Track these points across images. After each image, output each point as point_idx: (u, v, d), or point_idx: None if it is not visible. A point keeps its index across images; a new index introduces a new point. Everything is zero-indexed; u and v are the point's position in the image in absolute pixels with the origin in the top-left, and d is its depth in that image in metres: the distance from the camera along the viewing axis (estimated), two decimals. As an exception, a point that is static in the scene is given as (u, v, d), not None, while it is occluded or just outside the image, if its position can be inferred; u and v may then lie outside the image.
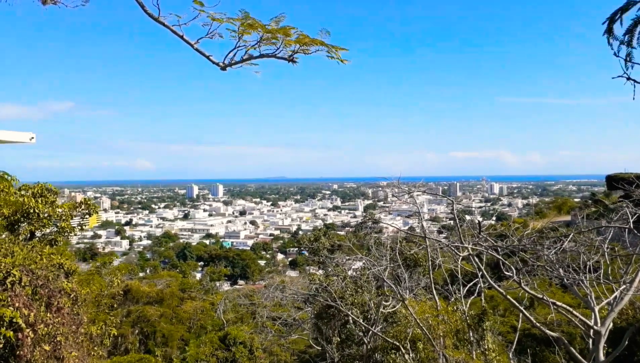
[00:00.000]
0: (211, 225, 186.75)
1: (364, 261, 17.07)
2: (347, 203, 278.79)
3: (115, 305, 15.38)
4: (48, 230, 11.18)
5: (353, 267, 19.00)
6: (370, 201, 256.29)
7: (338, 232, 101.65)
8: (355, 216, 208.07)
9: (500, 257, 9.91)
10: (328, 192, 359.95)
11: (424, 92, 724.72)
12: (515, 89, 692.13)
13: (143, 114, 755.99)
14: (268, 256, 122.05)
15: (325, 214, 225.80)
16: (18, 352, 7.04)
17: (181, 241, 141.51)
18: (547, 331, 9.89)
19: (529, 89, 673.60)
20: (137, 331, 22.68)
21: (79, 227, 12.31)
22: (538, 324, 9.99)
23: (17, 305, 7.08)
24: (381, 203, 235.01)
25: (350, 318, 14.94)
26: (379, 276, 15.43)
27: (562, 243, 9.52)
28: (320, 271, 20.85)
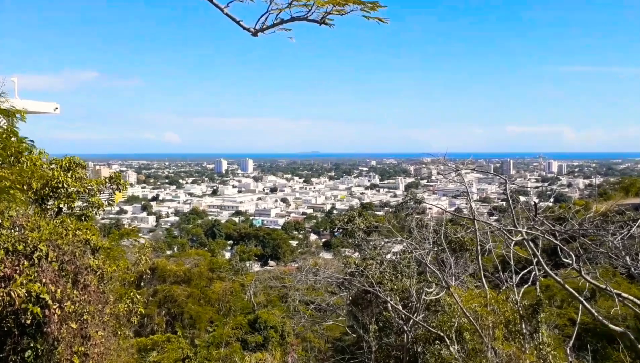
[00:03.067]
0: (240, 202, 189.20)
1: (404, 244, 17.02)
2: (386, 181, 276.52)
3: (142, 284, 15.78)
4: (76, 205, 11.50)
5: (392, 251, 19.27)
6: (412, 179, 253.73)
7: (376, 212, 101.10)
8: (395, 196, 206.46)
9: (558, 243, 9.72)
10: (365, 169, 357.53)
11: (473, 61, 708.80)
12: (578, 57, 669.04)
13: (170, 85, 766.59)
14: (300, 236, 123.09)
15: (362, 193, 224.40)
16: (45, 329, 7.34)
17: (210, 218, 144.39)
18: (611, 325, 9.67)
19: (594, 57, 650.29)
20: (163, 312, 23.34)
21: (107, 202, 12.66)
22: (600, 317, 9.77)
23: (44, 280, 7.36)
24: (425, 182, 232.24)
25: (389, 305, 14.92)
26: (421, 260, 15.31)
27: (630, 228, 9.18)
28: (357, 254, 21.00)
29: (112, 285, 9.48)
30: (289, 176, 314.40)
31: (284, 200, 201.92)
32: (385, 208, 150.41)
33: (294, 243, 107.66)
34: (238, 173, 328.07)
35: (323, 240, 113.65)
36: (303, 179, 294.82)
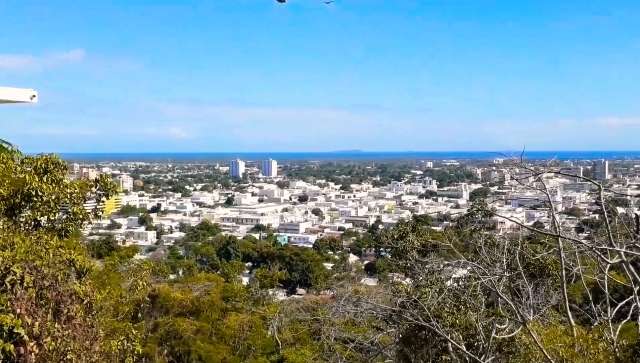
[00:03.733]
0: (262, 214, 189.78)
1: (469, 267, 17.27)
2: (445, 188, 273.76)
3: (139, 315, 15.97)
4: (56, 217, 11.50)
5: (454, 276, 19.41)
6: (479, 186, 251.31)
7: (433, 228, 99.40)
8: (457, 206, 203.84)
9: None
10: (419, 172, 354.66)
11: (560, 37, 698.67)
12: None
13: (174, 67, 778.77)
14: (337, 257, 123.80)
15: (415, 203, 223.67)
16: (20, 371, 7.39)
17: (223, 234, 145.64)
18: None
19: None
20: (166, 351, 23.60)
21: (94, 213, 12.75)
22: None
23: (18, 311, 7.41)
24: (495, 189, 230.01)
25: (449, 344, 14.94)
26: (490, 288, 15.51)
27: None
28: (408, 280, 21.26)
29: (103, 316, 9.56)
30: (323, 181, 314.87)
31: (316, 212, 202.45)
32: (445, 222, 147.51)
33: (329, 265, 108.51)
34: (259, 178, 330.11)
35: (365, 262, 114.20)
36: (340, 185, 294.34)
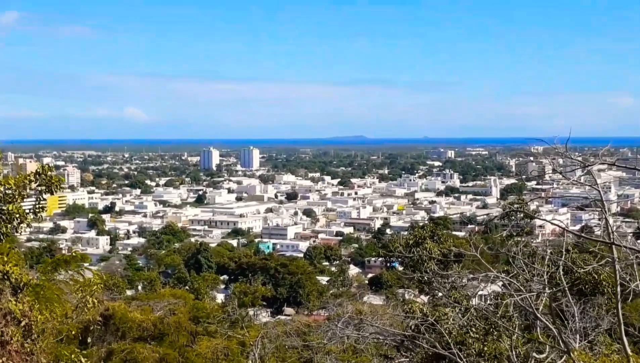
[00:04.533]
0: (241, 216, 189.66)
1: (501, 282, 17.10)
2: (470, 183, 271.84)
3: (89, 340, 15.88)
4: None
5: (481, 293, 19.29)
6: (512, 181, 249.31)
7: (455, 233, 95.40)
8: (485, 206, 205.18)
9: None
10: (438, 163, 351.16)
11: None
12: None
13: (132, 33, 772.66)
14: (333, 269, 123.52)
15: (431, 202, 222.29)
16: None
17: (193, 240, 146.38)
18: None
19: None
20: (122, 384, 23.56)
21: (33, 213, 12.69)
22: None
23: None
24: (533, 184, 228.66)
25: (475, 378, 15.02)
26: (527, 309, 15.49)
27: None
28: (424, 298, 21.47)
29: (44, 341, 9.55)
30: (316, 174, 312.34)
31: (307, 213, 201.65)
32: (470, 226, 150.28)
33: (324, 279, 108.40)
34: (237, 170, 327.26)
35: (369, 275, 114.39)
36: (338, 180, 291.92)
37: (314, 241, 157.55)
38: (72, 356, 11.26)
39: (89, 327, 15.81)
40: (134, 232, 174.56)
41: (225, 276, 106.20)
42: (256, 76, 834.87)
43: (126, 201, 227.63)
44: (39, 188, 12.76)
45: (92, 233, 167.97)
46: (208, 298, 67.75)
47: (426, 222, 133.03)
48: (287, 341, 28.53)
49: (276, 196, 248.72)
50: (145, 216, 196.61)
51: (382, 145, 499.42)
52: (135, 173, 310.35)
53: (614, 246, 12.53)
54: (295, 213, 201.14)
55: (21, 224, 12.03)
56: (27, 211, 12.24)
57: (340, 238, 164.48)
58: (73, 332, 14.07)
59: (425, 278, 19.66)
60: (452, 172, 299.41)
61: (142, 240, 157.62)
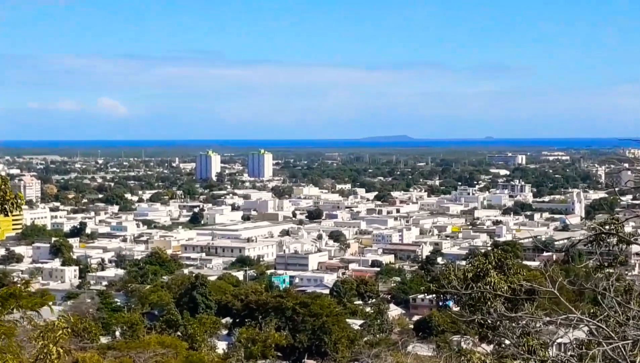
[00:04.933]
0: (248, 240, 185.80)
1: (586, 327, 16.64)
2: (546, 197, 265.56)
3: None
4: None
5: (561, 340, 18.78)
6: (602, 194, 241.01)
7: (527, 262, 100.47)
8: (566, 227, 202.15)
9: None
10: (504, 172, 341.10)
11: None
12: None
13: (109, 4, 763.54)
14: (369, 309, 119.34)
15: (496, 222, 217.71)
16: None
17: (186, 271, 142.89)
18: None
19: None
20: None
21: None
22: None
23: None
24: (628, 198, 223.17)
25: None
26: (619, 361, 14.88)
27: None
28: (486, 347, 21.29)
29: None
30: (347, 186, 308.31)
31: (335, 236, 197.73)
32: (546, 254, 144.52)
33: (356, 323, 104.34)
34: (243, 181, 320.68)
35: (415, 317, 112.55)
36: (375, 193, 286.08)
37: (344, 274, 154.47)
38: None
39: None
40: (110, 261, 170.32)
41: (228, 319, 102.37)
42: (265, 58, 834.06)
43: (100, 221, 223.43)
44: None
45: (55, 263, 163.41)
46: (206, 348, 64.86)
47: (489, 248, 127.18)
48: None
49: (294, 215, 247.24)
50: (124, 240, 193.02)
51: (431, 148, 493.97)
52: (112, 184, 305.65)
53: None
54: (319, 237, 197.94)
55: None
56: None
57: (378, 269, 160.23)
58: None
59: (489, 321, 19.31)
60: (522, 183, 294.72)
61: (121, 272, 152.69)
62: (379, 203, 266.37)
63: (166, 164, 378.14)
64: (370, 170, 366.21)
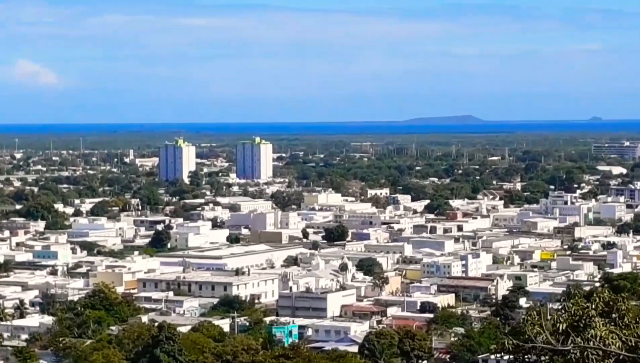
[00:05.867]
0: (237, 272, 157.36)
1: None
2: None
3: None
4: None
5: None
6: None
7: None
8: None
9: None
10: (618, 169, 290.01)
11: None
12: None
13: None
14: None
15: (608, 244, 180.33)
16: None
17: (145, 318, 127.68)
18: None
19: None
20: None
21: None
22: None
23: None
24: None
25: None
26: None
27: None
28: None
29: None
30: (383, 191, 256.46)
31: (366, 267, 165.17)
32: None
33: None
34: (229, 183, 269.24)
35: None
36: (427, 201, 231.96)
37: (379, 322, 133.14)
38: None
39: None
40: (32, 304, 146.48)
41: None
42: (260, 0, 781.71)
43: (18, 245, 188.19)
44: None
45: None
46: None
47: (597, 285, 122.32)
48: None
49: (306, 235, 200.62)
50: (53, 272, 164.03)
51: (509, 134, 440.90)
52: (36, 189, 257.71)
53: None
54: (343, 268, 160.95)
55: None
56: None
57: (431, 315, 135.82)
58: None
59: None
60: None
61: (49, 319, 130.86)
62: (431, 216, 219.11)
63: (115, 160, 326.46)
64: (418, 168, 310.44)
